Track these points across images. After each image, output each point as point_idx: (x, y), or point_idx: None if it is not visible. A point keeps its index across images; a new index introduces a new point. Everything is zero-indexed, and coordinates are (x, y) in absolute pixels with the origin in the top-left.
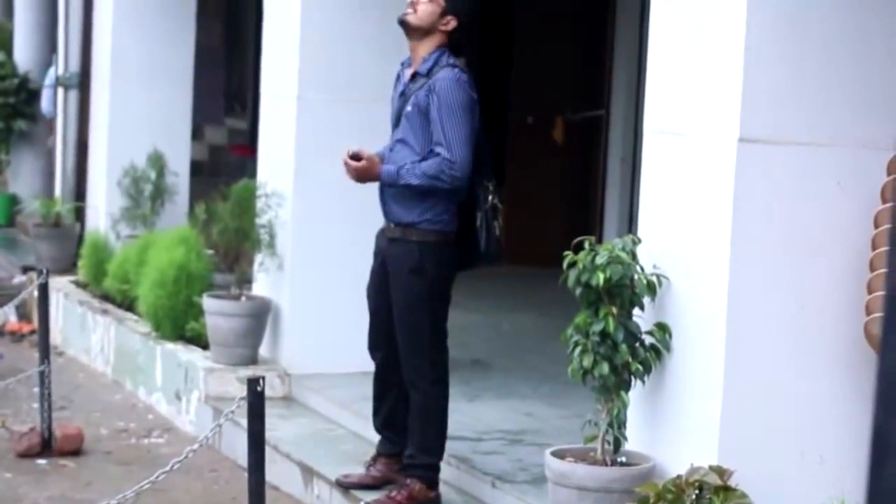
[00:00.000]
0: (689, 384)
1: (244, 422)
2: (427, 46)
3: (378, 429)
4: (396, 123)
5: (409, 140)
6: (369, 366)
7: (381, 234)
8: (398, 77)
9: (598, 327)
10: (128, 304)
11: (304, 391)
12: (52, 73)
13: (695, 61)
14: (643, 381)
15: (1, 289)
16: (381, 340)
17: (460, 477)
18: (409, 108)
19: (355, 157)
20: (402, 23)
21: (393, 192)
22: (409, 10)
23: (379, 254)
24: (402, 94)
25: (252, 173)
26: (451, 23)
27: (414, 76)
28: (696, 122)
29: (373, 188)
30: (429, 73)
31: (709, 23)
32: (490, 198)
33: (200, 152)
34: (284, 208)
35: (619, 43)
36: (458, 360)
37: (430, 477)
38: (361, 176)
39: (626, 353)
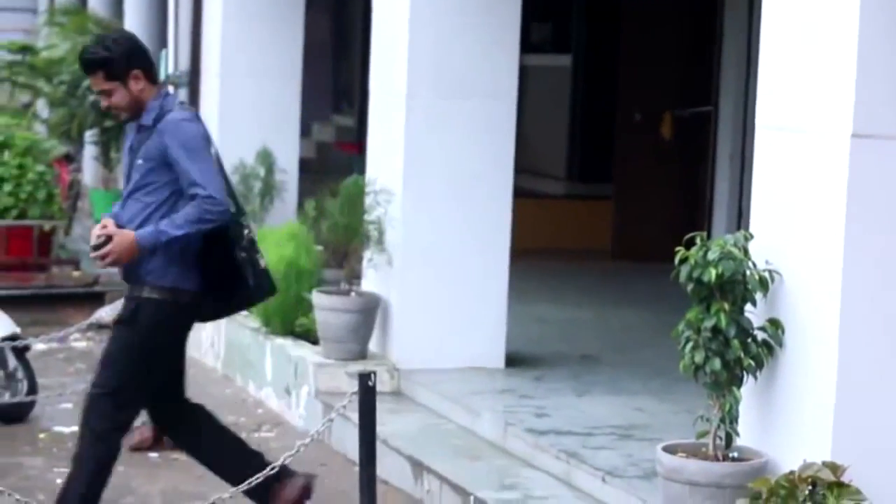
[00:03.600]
0: (802, 380)
1: (354, 416)
2: (144, 104)
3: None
4: (127, 179)
5: (141, 194)
6: (478, 361)
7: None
8: (126, 133)
9: (709, 323)
10: None
11: (414, 386)
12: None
13: (807, 56)
14: (755, 377)
15: (112, 284)
16: (162, 394)
17: (570, 472)
18: (139, 160)
19: (98, 243)
20: (127, 120)
21: None
22: (116, 113)
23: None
24: (131, 148)
25: (359, 170)
26: (140, 77)
27: (139, 129)
28: (809, 117)
29: (485, 185)
30: (155, 123)
31: (822, 18)
32: (246, 232)
33: (308, 149)
34: (393, 205)
35: (728, 38)
36: (567, 356)
37: None
38: (121, 253)
39: (738, 349)
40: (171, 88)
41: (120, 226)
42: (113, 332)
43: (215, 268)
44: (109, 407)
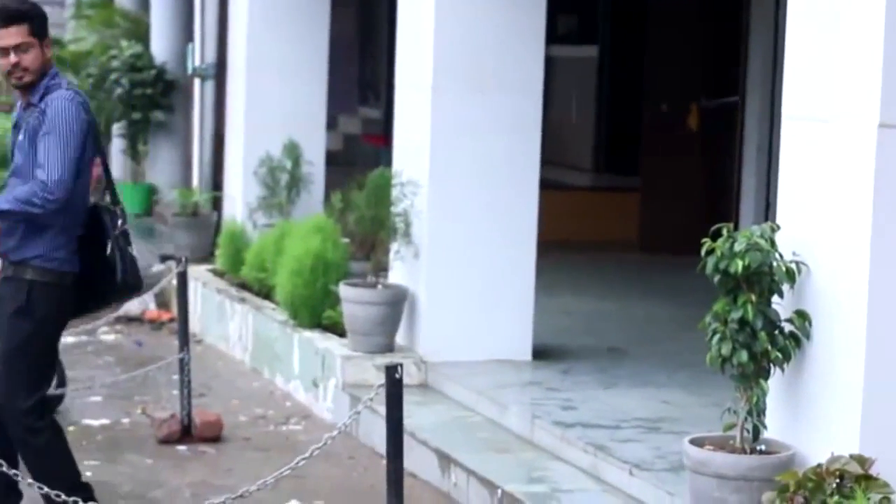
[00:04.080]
0: (830, 372)
1: (382, 409)
2: (43, 77)
3: None
4: (11, 157)
5: (22, 172)
6: (505, 354)
7: None
8: (16, 109)
9: (736, 315)
10: (265, 293)
11: (441, 378)
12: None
13: (834, 46)
14: (782, 369)
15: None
16: None
17: (597, 464)
18: (20, 137)
19: None
20: (23, 86)
21: (5, 225)
22: (19, 74)
23: None
24: (16, 125)
25: (385, 162)
26: (49, 46)
27: (27, 106)
28: (836, 107)
29: (512, 177)
30: (40, 101)
31: (848, 7)
32: (119, 222)
33: (335, 142)
34: (420, 197)
35: (754, 28)
36: (594, 348)
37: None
38: None
39: (765, 341)
40: (196, 81)
41: None
42: (3, 322)
43: (87, 259)
44: (22, 409)
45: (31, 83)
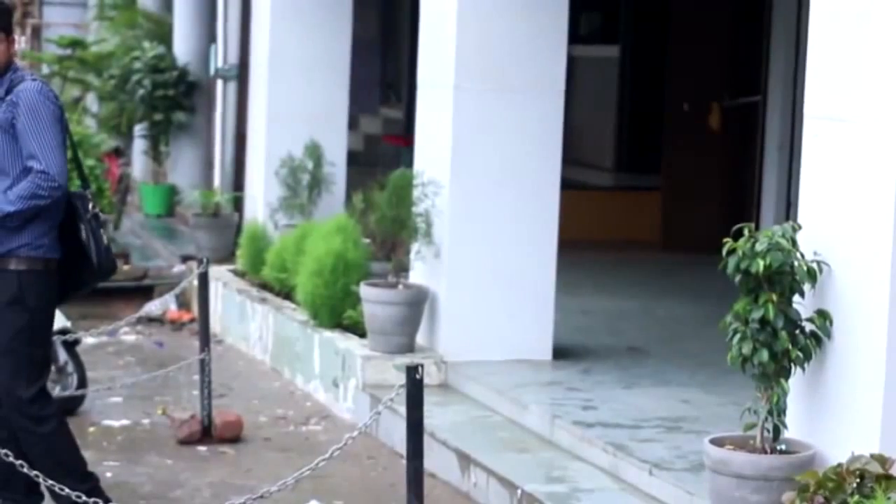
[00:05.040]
0: (851, 371)
1: (402, 409)
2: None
3: None
4: None
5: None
6: (525, 353)
7: None
8: None
9: (757, 314)
10: (286, 293)
11: (461, 379)
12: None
13: (856, 46)
14: (803, 369)
15: (161, 278)
16: None
17: (617, 464)
18: None
19: None
20: None
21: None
22: None
23: None
24: None
25: (406, 163)
26: (13, 42)
27: None
28: (858, 107)
29: (533, 177)
30: (7, 92)
31: (871, 7)
32: (91, 206)
33: (356, 142)
34: (441, 197)
35: (776, 27)
36: (614, 348)
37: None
38: None
39: (785, 341)
40: (218, 82)
41: None
42: None
43: (63, 245)
44: (26, 399)
45: None
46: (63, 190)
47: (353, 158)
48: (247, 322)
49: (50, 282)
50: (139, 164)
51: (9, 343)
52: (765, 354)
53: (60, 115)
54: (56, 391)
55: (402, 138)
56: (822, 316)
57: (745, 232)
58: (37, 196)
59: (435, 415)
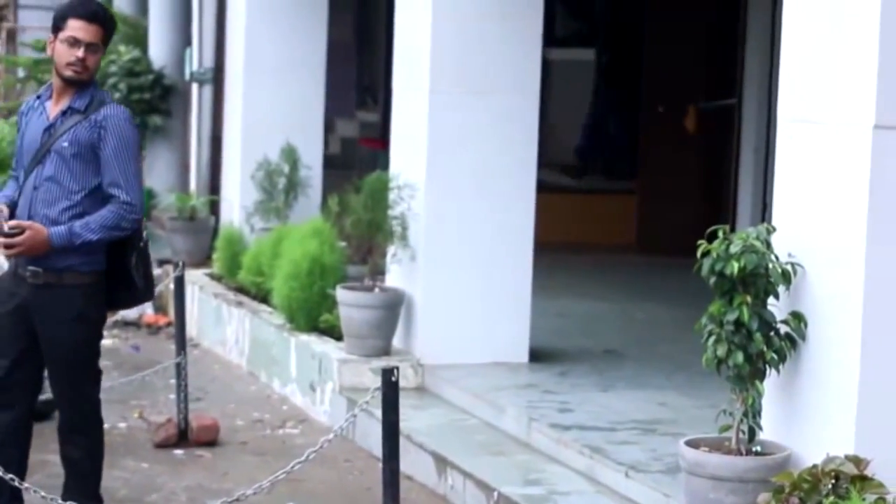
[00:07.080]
0: (825, 373)
1: (378, 412)
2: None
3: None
4: (38, 160)
5: (62, 178)
6: (502, 356)
7: (17, 279)
8: (28, 111)
9: (732, 316)
10: (262, 297)
11: (438, 382)
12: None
13: (830, 49)
14: (778, 371)
15: None
16: (20, 394)
17: (594, 466)
18: (64, 143)
19: (11, 233)
20: (74, 81)
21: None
22: (79, 69)
23: (15, 300)
24: (49, 128)
25: (383, 166)
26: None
27: (68, 111)
28: (831, 109)
29: (508, 179)
30: (86, 110)
31: (844, 9)
32: (144, 234)
33: (332, 145)
34: (417, 200)
35: (751, 30)
36: (591, 350)
37: None
38: (31, 248)
39: (760, 343)
40: (194, 86)
41: (13, 206)
42: (64, 332)
43: (108, 262)
44: (97, 401)
45: (83, 83)
46: (141, 223)
47: (329, 162)
48: (223, 326)
49: (101, 294)
50: None
51: (80, 354)
52: (740, 356)
53: (140, 142)
54: None
55: (378, 141)
56: (797, 318)
57: (720, 234)
58: (119, 227)
59: (412, 417)
